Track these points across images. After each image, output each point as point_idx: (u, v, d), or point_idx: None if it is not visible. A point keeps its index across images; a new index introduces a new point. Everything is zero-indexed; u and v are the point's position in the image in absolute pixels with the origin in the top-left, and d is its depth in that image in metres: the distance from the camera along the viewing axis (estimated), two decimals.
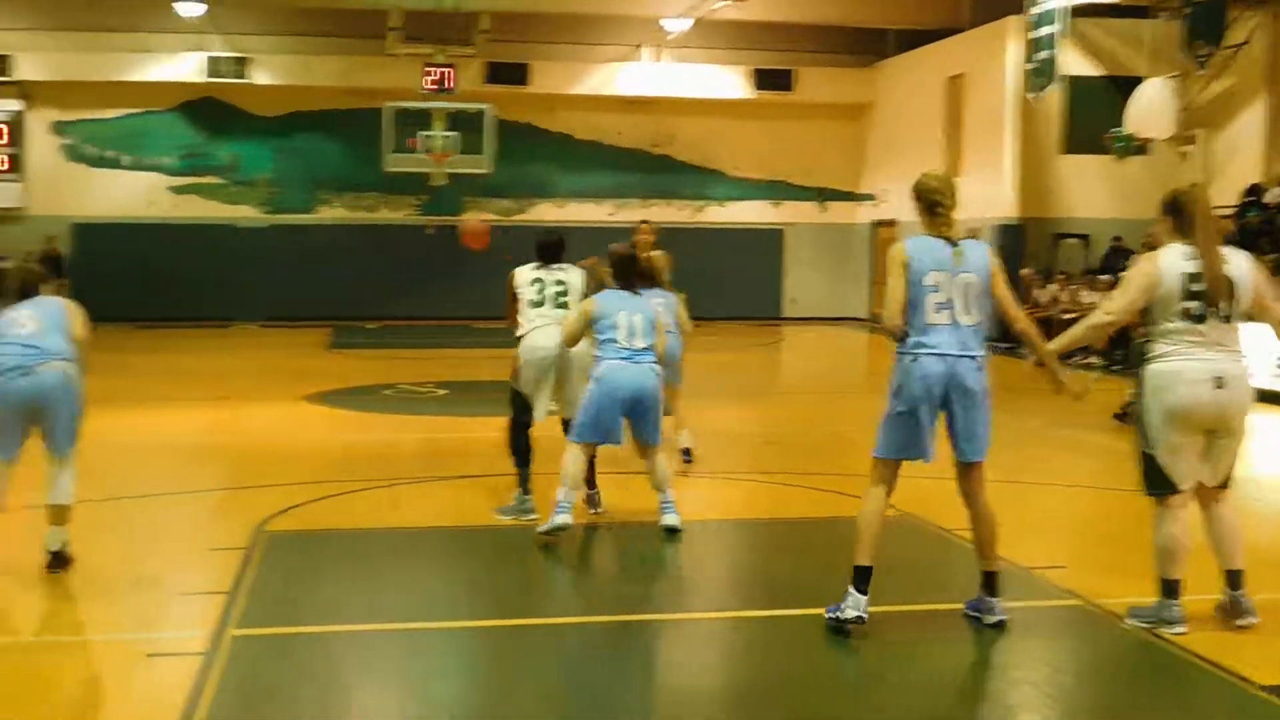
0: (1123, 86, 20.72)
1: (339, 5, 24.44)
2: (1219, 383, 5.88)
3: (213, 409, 14.20)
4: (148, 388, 15.56)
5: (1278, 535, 8.49)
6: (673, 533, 7.84)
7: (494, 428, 8.75)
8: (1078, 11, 20.26)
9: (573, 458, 7.71)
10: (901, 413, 5.95)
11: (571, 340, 7.94)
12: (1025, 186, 22.33)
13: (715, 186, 27.82)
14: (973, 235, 6.37)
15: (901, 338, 5.95)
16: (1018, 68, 21.75)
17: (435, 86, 24.79)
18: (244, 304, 25.65)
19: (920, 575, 7.23)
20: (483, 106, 24.84)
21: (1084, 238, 22.25)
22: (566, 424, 8.14)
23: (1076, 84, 21.52)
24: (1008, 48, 22.17)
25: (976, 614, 6.13)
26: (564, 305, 8.17)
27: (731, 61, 26.74)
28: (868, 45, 26.77)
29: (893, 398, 5.99)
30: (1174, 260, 5.93)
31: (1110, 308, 6.14)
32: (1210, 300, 5.87)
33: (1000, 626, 6.05)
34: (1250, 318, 6.05)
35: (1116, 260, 18.89)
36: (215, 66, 25.00)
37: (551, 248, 8.43)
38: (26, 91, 25.07)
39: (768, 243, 27.88)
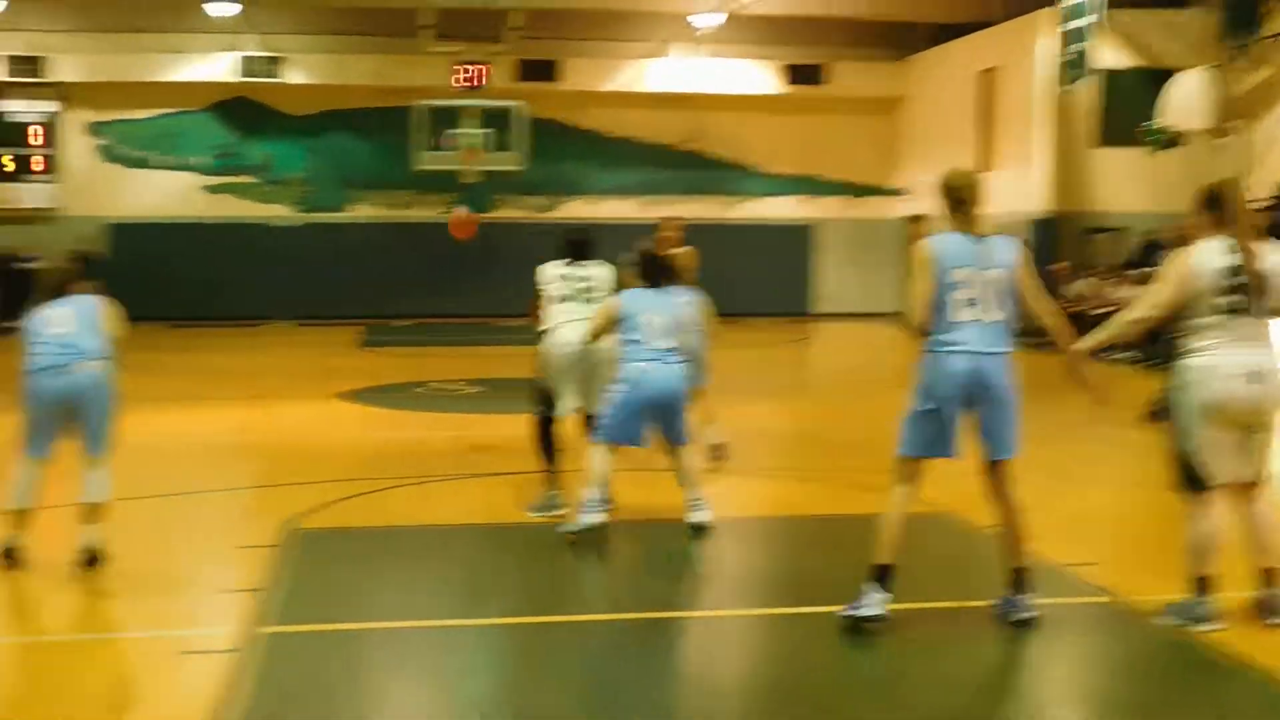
0: (1158, 79, 20.54)
1: (372, 4, 24.52)
2: (1253, 377, 5.84)
3: (245, 407, 14.28)
4: (181, 386, 15.67)
5: None
6: (702, 530, 7.84)
7: (526, 425, 8.77)
8: (1113, 2, 20.11)
9: (599, 458, 7.71)
10: (926, 410, 5.93)
11: (595, 337, 7.95)
12: (1058, 180, 22.19)
13: (746, 182, 27.76)
14: (1001, 231, 6.33)
15: (926, 335, 5.93)
16: (1050, 61, 21.61)
17: (466, 84, 24.86)
18: (277, 303, 25.77)
19: (951, 572, 7.21)
20: (513, 104, 24.89)
21: (1117, 231, 22.08)
22: (589, 419, 8.15)
23: (1111, 77, 21.36)
24: (1041, 41, 22.04)
25: (1006, 611, 6.10)
26: (591, 301, 8.18)
27: (762, 56, 26.68)
28: (899, 39, 26.65)
29: (918, 395, 5.97)
30: (1211, 255, 5.89)
31: (1147, 303, 6.09)
32: (1247, 295, 5.83)
33: (1030, 624, 6.02)
34: (1277, 313, 6.00)
35: (1149, 255, 18.74)
36: (249, 66, 25.13)
37: (579, 244, 8.45)
38: (62, 93, 25.26)
39: (798, 238, 27.81)
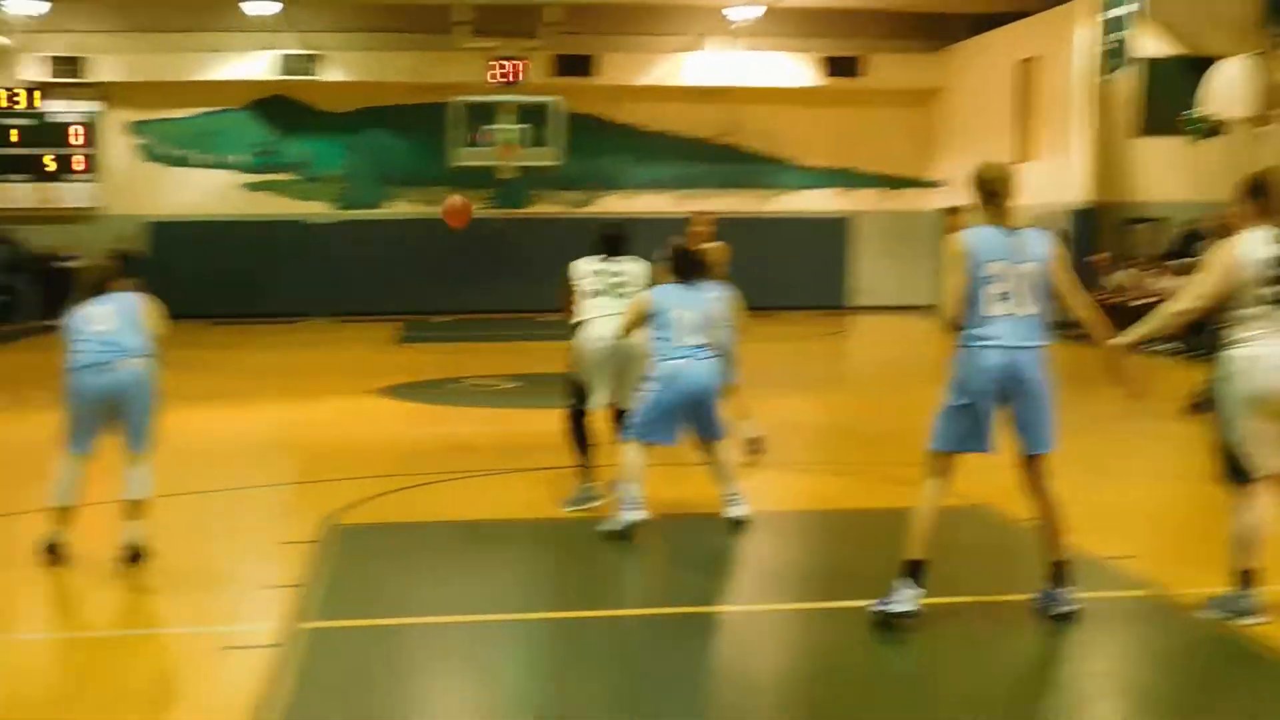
0: (1199, 67, 20.31)
1: (409, 0, 24.59)
2: None
3: (284, 403, 14.37)
4: (220, 383, 15.78)
5: None
6: (740, 524, 7.83)
7: (560, 419, 8.78)
8: None
9: (633, 454, 7.72)
10: (960, 405, 5.90)
11: (627, 332, 7.95)
12: (1098, 171, 22.02)
13: (782, 175, 27.69)
14: (1039, 223, 6.30)
15: (959, 330, 5.90)
16: (1089, 50, 21.44)
17: (502, 80, 24.91)
18: (315, 299, 25.91)
19: (988, 565, 7.17)
20: (549, 99, 24.91)
21: (1157, 222, 21.89)
22: (621, 414, 8.15)
23: (1152, 65, 21.14)
24: (1079, 30, 21.87)
25: (1046, 605, 6.06)
26: (623, 296, 8.18)
27: (798, 49, 26.59)
28: (936, 30, 26.49)
29: (951, 390, 5.93)
30: (1256, 245, 5.83)
31: (1192, 295, 6.03)
32: None
33: (1070, 617, 5.98)
34: None
35: (1189, 245, 18.57)
36: (288, 64, 25.27)
37: (613, 239, 8.46)
38: (103, 93, 25.47)
39: (834, 231, 27.71)
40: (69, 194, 25.47)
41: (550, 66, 25.69)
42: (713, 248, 9.53)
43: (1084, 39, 21.70)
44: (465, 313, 25.81)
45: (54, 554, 7.13)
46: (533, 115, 25.01)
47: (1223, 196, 6.82)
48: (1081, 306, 6.05)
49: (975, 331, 5.86)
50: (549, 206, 26.56)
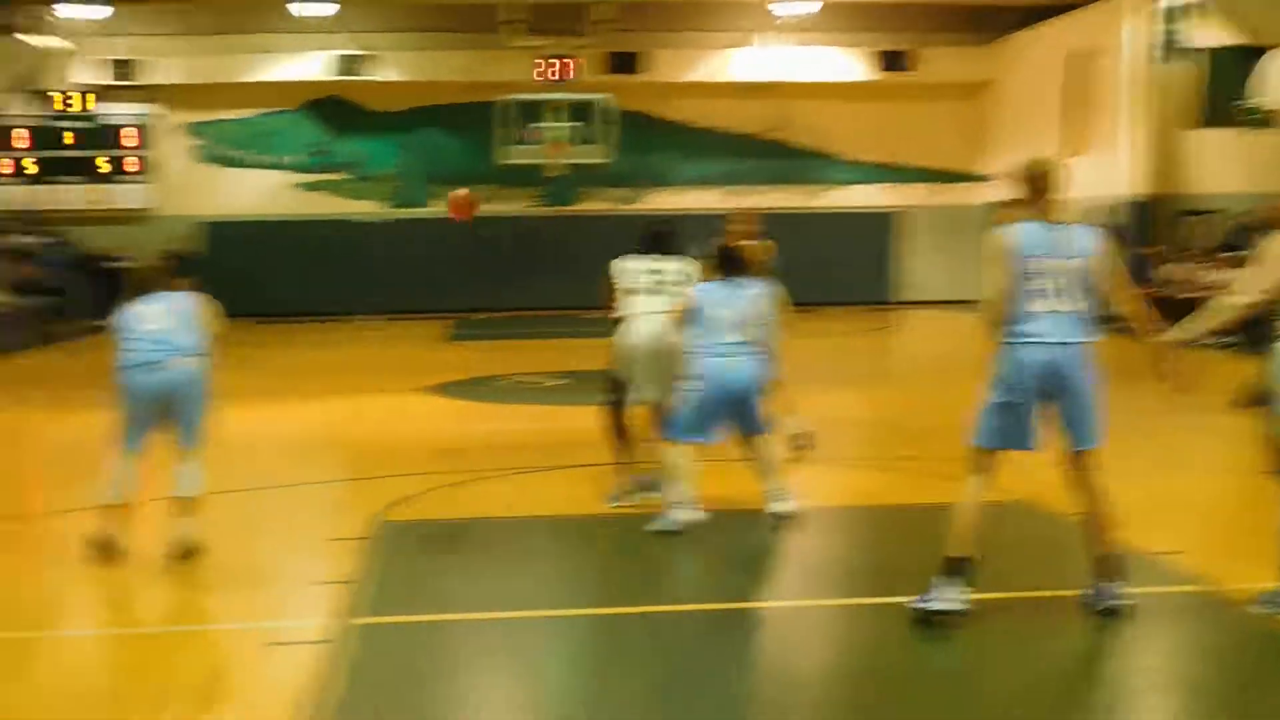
0: (1257, 56, 20.04)
1: (461, 0, 24.70)
2: None
3: (335, 401, 14.49)
4: (272, 381, 15.94)
5: None
6: (786, 519, 7.82)
7: (601, 416, 8.81)
8: None
9: (677, 454, 7.72)
10: (1002, 403, 5.86)
11: (674, 330, 7.95)
12: (1152, 163, 21.78)
13: (830, 170, 27.59)
14: (1090, 216, 6.25)
15: (1002, 326, 5.87)
16: (1141, 41, 21.21)
17: (551, 78, 24.98)
18: (366, 298, 26.10)
19: (1033, 560, 7.13)
20: (598, 97, 24.95)
21: (1211, 214, 21.61)
22: (660, 411, 8.15)
23: (1213, 55, 20.84)
24: (1132, 22, 21.64)
25: (1095, 600, 6.02)
26: (665, 294, 8.18)
27: (847, 44, 26.49)
28: (987, 22, 26.29)
29: (994, 386, 5.90)
30: None
31: (1249, 288, 5.97)
32: None
33: (1120, 612, 5.94)
34: None
35: (1241, 237, 18.31)
36: (341, 65, 25.46)
37: (660, 236, 8.46)
38: (158, 95, 25.78)
39: (883, 226, 27.58)
40: (122, 195, 25.83)
41: (599, 64, 25.73)
42: (754, 245, 9.50)
43: (1138, 30, 21.47)
44: (514, 310, 25.92)
45: (105, 551, 7.22)
46: (581, 113, 25.08)
47: (1276, 188, 6.74)
48: (1128, 303, 6.00)
49: (1018, 328, 5.83)
50: (597, 204, 26.61)
